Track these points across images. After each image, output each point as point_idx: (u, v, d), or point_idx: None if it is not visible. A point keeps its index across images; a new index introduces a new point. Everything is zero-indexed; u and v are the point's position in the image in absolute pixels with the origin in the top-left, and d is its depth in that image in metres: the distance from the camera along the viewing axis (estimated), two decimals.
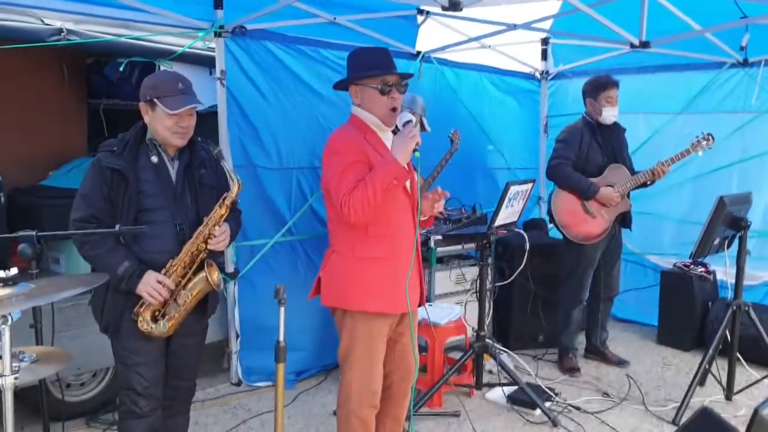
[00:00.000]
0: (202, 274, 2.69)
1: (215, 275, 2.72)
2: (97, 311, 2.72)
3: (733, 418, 3.93)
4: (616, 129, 4.78)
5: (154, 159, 2.69)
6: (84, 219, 2.60)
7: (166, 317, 2.67)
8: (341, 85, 2.98)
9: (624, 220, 4.80)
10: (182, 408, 2.98)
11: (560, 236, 4.82)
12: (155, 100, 2.62)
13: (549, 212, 4.82)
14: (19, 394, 3.44)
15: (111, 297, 2.66)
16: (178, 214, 2.71)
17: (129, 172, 2.61)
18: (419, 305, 3.06)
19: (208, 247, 2.70)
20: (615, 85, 4.61)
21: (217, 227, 2.70)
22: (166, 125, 2.64)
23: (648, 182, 4.67)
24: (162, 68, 4.21)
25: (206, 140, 2.87)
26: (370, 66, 2.84)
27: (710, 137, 4.52)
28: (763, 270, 5.32)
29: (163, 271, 2.65)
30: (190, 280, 2.69)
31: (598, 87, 4.62)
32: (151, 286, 2.60)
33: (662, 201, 5.74)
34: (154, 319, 2.66)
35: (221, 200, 2.72)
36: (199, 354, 2.97)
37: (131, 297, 2.64)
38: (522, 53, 6.19)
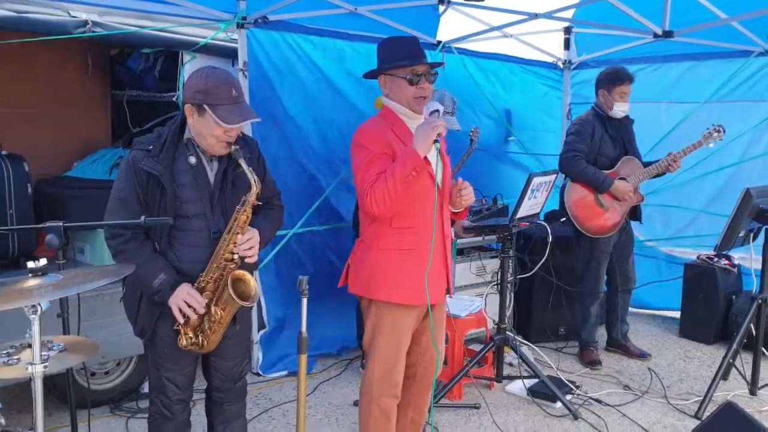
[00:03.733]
0: (227, 291, 2.50)
1: (247, 286, 2.54)
2: (131, 314, 2.62)
3: (757, 413, 3.89)
4: (626, 120, 4.74)
5: (192, 160, 2.52)
6: (120, 225, 2.47)
7: (203, 334, 2.55)
8: (371, 75, 2.96)
9: (633, 213, 4.77)
10: (237, 412, 2.85)
11: None
12: (206, 106, 2.40)
13: (561, 205, 4.79)
14: (47, 381, 3.51)
15: (145, 304, 2.56)
16: (215, 221, 2.55)
17: (165, 178, 2.45)
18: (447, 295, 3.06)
19: (235, 257, 2.51)
20: (630, 80, 4.57)
21: (239, 235, 2.50)
22: (214, 134, 2.44)
23: (661, 173, 4.64)
24: (186, 58, 4.21)
25: (244, 135, 2.63)
26: (399, 56, 2.82)
27: (720, 129, 4.46)
28: None
29: (194, 286, 2.51)
30: (222, 294, 2.53)
31: (614, 80, 4.56)
32: (183, 299, 2.46)
33: (690, 192, 5.68)
34: (196, 335, 2.55)
35: (240, 205, 2.50)
36: (242, 354, 2.82)
37: (165, 306, 2.51)
38: (544, 42, 6.14)
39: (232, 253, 2.51)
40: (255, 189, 2.50)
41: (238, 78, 4.20)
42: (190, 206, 2.51)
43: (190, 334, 2.55)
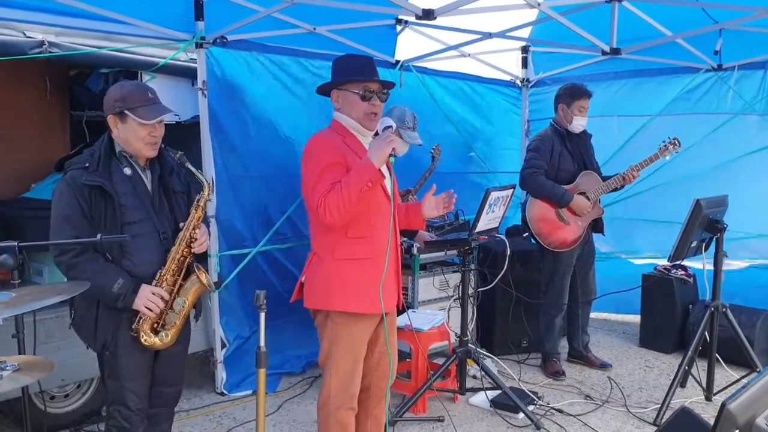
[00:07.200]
0: (194, 277, 2.73)
1: (204, 276, 2.76)
2: (89, 332, 2.67)
3: (712, 419, 3.96)
4: (584, 136, 4.86)
5: (128, 171, 2.67)
6: (77, 243, 2.54)
7: (167, 327, 2.70)
8: (323, 90, 3.01)
9: (596, 225, 4.88)
10: (168, 415, 2.96)
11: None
12: (126, 111, 2.59)
13: (523, 220, 4.88)
14: (3, 406, 3.44)
15: (104, 315, 2.63)
16: (161, 223, 2.72)
17: (109, 186, 2.59)
18: (398, 309, 3.11)
19: (192, 250, 2.73)
20: (589, 95, 4.70)
21: (197, 230, 2.74)
22: (139, 136, 2.62)
23: (619, 187, 4.75)
24: (146, 78, 4.22)
25: (167, 147, 2.83)
26: (354, 72, 2.89)
27: (676, 142, 4.61)
28: None
29: (154, 282, 2.66)
30: (181, 286, 2.73)
31: (574, 95, 4.68)
32: (148, 298, 2.61)
33: (644, 204, 5.81)
34: (155, 332, 2.68)
35: (195, 202, 2.75)
36: (184, 360, 2.97)
37: (125, 313, 2.63)
38: (502, 61, 6.27)
39: (190, 247, 2.73)
40: (207, 187, 2.77)
41: (198, 97, 4.24)
42: (135, 212, 2.66)
43: (149, 331, 2.67)
